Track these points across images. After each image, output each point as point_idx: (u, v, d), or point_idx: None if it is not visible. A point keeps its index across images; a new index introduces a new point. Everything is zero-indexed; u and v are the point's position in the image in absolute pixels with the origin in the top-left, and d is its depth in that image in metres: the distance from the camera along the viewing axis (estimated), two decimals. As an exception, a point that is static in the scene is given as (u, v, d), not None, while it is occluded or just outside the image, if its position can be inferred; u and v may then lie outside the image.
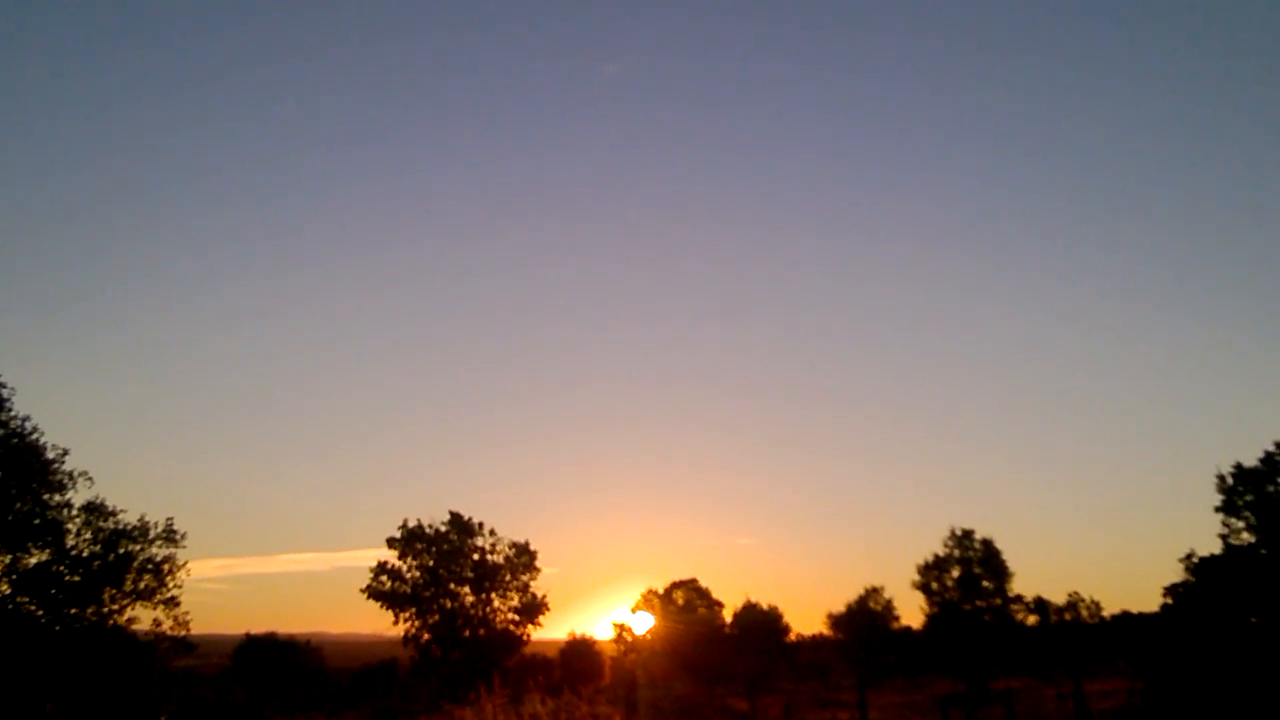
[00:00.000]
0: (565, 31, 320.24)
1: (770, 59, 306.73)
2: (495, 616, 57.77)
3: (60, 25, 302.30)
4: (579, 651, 79.74)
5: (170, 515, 36.56)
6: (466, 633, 56.63)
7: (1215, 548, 44.72)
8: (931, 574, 63.81)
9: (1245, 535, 43.78)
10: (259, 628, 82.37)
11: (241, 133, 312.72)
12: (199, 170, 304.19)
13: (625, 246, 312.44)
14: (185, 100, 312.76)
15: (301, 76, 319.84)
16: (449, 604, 56.85)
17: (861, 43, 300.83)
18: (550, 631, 67.32)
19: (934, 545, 64.68)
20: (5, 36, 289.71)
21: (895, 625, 70.84)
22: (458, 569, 57.20)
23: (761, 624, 70.92)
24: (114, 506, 35.74)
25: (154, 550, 35.99)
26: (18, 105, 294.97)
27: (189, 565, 36.72)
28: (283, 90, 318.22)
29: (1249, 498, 43.75)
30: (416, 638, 56.55)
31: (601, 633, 76.61)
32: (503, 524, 70.62)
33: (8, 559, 33.85)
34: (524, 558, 58.71)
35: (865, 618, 70.26)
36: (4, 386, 34.22)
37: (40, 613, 34.21)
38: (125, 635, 35.53)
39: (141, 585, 35.51)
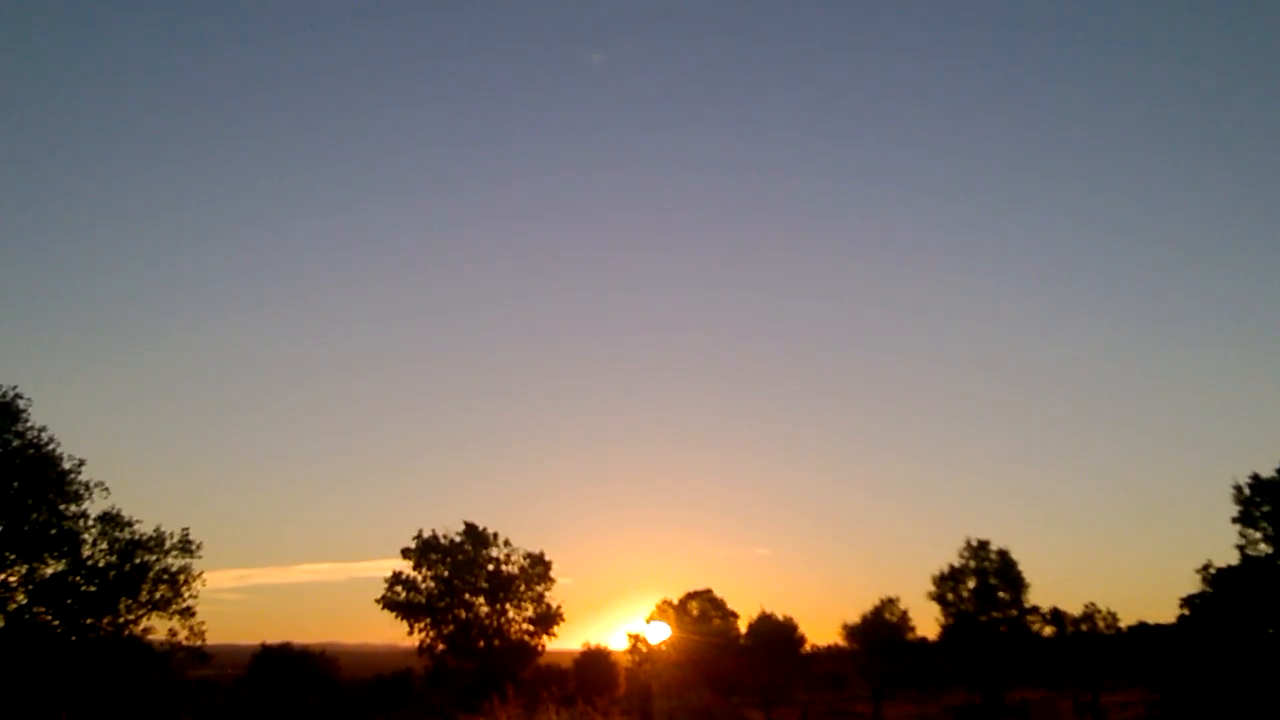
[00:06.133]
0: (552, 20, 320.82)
1: (766, 58, 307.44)
2: (510, 627, 57.78)
3: (72, 32, 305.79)
4: (594, 662, 79.62)
5: (186, 525, 36.73)
6: (481, 643, 56.64)
7: (1232, 559, 44.45)
8: (947, 585, 63.64)
9: (1263, 546, 43.50)
10: (274, 638, 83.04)
11: (261, 145, 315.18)
12: (221, 183, 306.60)
13: (641, 260, 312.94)
14: (205, 115, 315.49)
15: (300, 90, 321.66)
16: (463, 614, 56.89)
17: (860, 30, 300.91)
18: (565, 642, 67.31)
19: (950, 556, 64.62)
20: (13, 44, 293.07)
21: (911, 636, 70.53)
22: (472, 579, 57.25)
23: (777, 634, 70.62)
24: (130, 517, 35.86)
25: (170, 560, 36.11)
26: (27, 113, 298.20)
27: (204, 575, 36.84)
28: (296, 103, 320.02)
29: (1266, 508, 43.49)
30: (431, 648, 56.60)
31: (617, 643, 76.51)
32: (517, 535, 70.68)
33: (24, 569, 34.04)
34: (539, 568, 58.72)
35: (880, 628, 69.96)
36: (21, 397, 34.51)
37: (56, 623, 34.36)
38: (141, 645, 35.62)
39: (157, 595, 35.60)
